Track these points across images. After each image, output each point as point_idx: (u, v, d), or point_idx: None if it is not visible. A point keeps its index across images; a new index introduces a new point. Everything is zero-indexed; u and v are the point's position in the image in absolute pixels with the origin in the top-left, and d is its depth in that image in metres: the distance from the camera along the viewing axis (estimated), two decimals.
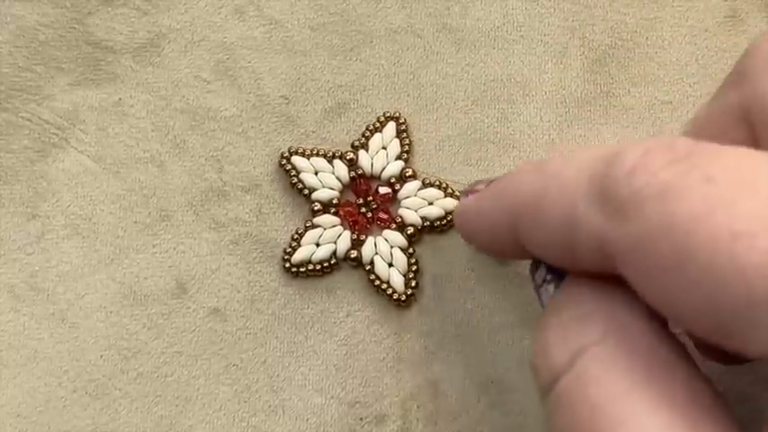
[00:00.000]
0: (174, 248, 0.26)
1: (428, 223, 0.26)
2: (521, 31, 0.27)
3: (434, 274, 0.26)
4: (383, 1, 0.27)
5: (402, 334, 0.26)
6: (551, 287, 0.21)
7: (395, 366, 0.25)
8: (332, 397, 0.25)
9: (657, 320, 0.19)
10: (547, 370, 0.19)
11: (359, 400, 0.25)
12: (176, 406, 0.25)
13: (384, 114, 0.26)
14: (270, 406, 0.25)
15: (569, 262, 0.19)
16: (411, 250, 0.26)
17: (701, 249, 0.15)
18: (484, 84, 0.27)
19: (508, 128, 0.26)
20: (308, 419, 0.25)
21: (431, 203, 0.26)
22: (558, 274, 0.20)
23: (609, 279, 0.19)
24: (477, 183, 0.24)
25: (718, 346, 0.16)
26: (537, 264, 0.21)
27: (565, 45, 0.27)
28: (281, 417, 0.25)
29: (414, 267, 0.26)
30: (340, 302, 0.26)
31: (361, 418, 0.25)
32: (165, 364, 0.26)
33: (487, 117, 0.26)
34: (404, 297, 0.25)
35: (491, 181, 0.23)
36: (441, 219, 0.26)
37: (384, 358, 0.26)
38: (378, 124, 0.26)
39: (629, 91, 0.26)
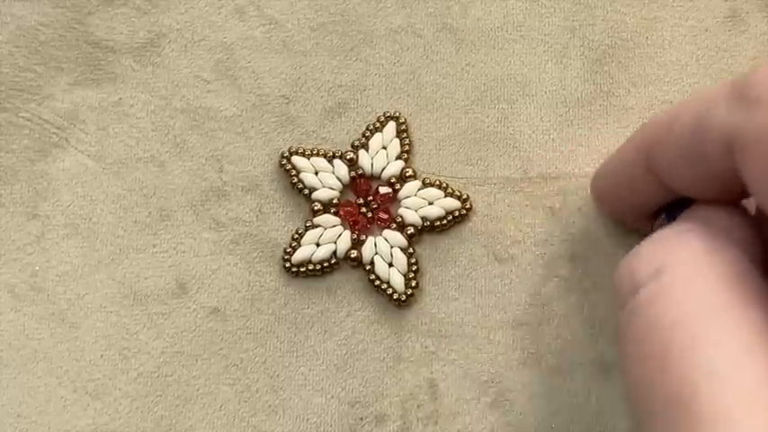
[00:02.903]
0: (174, 248, 0.26)
1: (428, 223, 0.26)
2: (521, 31, 0.27)
3: (434, 274, 0.26)
4: (383, 1, 0.27)
5: (402, 334, 0.26)
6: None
7: (395, 366, 0.25)
8: (332, 397, 0.25)
9: (754, 254, 0.19)
10: (629, 281, 0.19)
11: (359, 400, 0.25)
12: (176, 406, 0.25)
13: (384, 114, 0.26)
14: (270, 406, 0.25)
15: (696, 176, 0.19)
16: (411, 250, 0.26)
17: None
18: (484, 84, 0.27)
19: (508, 128, 0.26)
20: (308, 419, 0.25)
21: (431, 203, 0.26)
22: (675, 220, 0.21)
23: (720, 211, 0.19)
24: None
25: None
26: (659, 213, 0.22)
27: (565, 45, 0.27)
28: (281, 417, 0.25)
29: (414, 267, 0.26)
30: (340, 302, 0.26)
31: (361, 418, 0.25)
32: (165, 364, 0.26)
33: (487, 117, 0.26)
34: (404, 297, 0.25)
35: None
36: (441, 219, 0.26)
37: (384, 358, 0.26)
38: (378, 124, 0.26)
39: (629, 91, 0.26)
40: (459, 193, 0.26)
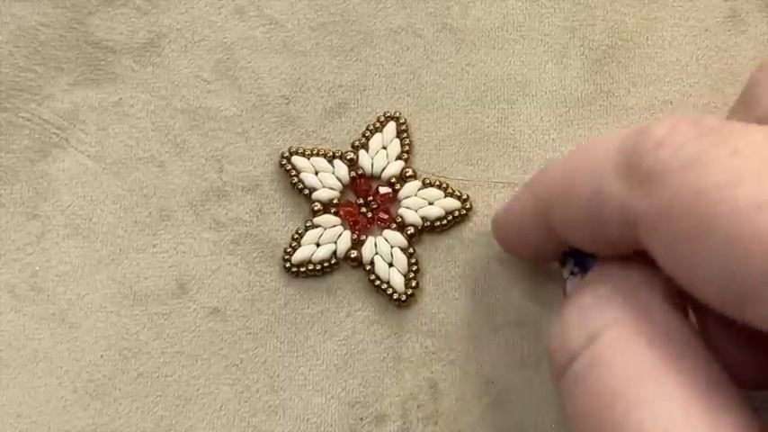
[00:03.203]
0: (174, 248, 0.26)
1: (428, 223, 0.26)
2: (521, 31, 0.27)
3: (434, 274, 0.26)
4: (383, 1, 0.27)
5: (402, 334, 0.26)
6: (577, 280, 0.21)
7: (395, 366, 0.25)
8: (332, 397, 0.25)
9: (678, 307, 0.19)
10: (563, 351, 0.19)
11: (359, 400, 0.25)
12: (176, 406, 0.25)
13: (384, 114, 0.26)
14: (270, 406, 0.25)
15: (596, 240, 0.19)
16: (411, 250, 0.26)
17: (725, 219, 0.15)
18: (484, 84, 0.27)
19: (508, 128, 0.26)
20: (308, 419, 0.25)
21: (431, 203, 0.26)
22: (586, 269, 0.21)
23: (632, 264, 0.19)
24: None
25: (733, 320, 0.16)
26: (565, 258, 0.22)
27: (565, 45, 0.27)
28: (281, 417, 0.25)
29: (414, 267, 0.26)
30: (340, 302, 0.26)
31: (361, 418, 0.25)
32: (165, 364, 0.26)
33: (487, 117, 0.26)
34: (404, 297, 0.25)
35: None
36: (441, 219, 0.26)
37: (384, 358, 0.26)
38: (378, 124, 0.26)
39: (629, 91, 0.26)
40: (459, 193, 0.26)
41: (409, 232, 0.26)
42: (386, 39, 0.27)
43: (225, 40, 0.27)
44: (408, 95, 0.27)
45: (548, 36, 0.27)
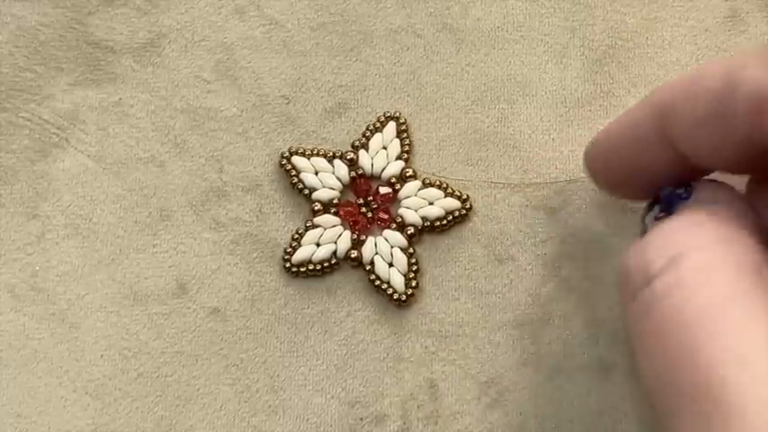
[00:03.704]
0: (175, 248, 0.26)
1: (428, 223, 0.26)
2: (521, 31, 0.27)
3: (434, 274, 0.26)
4: (383, 1, 0.27)
5: (402, 334, 0.26)
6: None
7: (395, 366, 0.25)
8: (332, 397, 0.25)
9: (760, 240, 0.18)
10: (640, 272, 0.18)
11: (359, 400, 0.25)
12: (176, 406, 0.25)
13: (384, 114, 0.26)
14: (270, 406, 0.25)
15: (721, 143, 0.18)
16: (411, 250, 0.26)
17: None
18: (484, 84, 0.27)
19: (508, 128, 0.26)
20: (308, 419, 0.25)
21: (431, 203, 0.26)
22: (671, 212, 0.20)
23: (724, 200, 0.18)
24: None
25: None
26: (653, 204, 0.21)
27: (565, 45, 0.27)
28: (281, 417, 0.25)
29: (414, 267, 0.26)
30: (340, 302, 0.26)
31: (361, 418, 0.25)
32: (165, 364, 0.26)
33: (487, 117, 0.26)
34: (404, 297, 0.25)
35: None
36: (441, 219, 0.26)
37: (384, 358, 0.26)
38: (378, 124, 0.26)
39: (629, 91, 0.26)
40: (459, 193, 0.26)
41: (409, 232, 0.26)
42: (386, 39, 0.27)
43: (225, 40, 0.27)
44: (408, 95, 0.27)
45: (548, 36, 0.27)
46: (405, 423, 0.25)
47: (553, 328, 0.25)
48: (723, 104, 0.18)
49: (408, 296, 0.25)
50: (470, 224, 0.26)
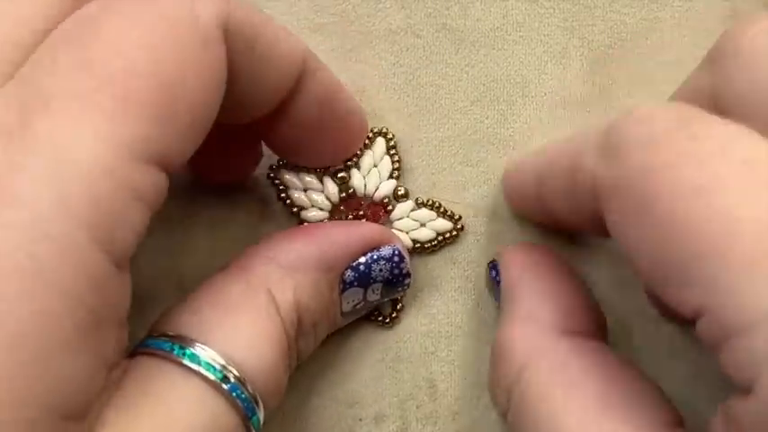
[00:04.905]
0: (174, 248, 0.26)
1: (419, 245, 0.26)
2: (521, 31, 0.27)
3: (434, 275, 0.26)
4: (383, 1, 0.27)
5: (401, 334, 0.26)
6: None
7: (394, 366, 0.25)
8: (331, 397, 0.25)
9: (575, 334, 0.21)
10: (502, 390, 0.22)
11: (358, 401, 0.25)
12: None
13: (372, 130, 0.26)
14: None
15: (574, 211, 0.20)
16: None
17: (664, 199, 0.16)
18: (484, 84, 0.27)
19: (508, 128, 0.26)
20: (307, 419, 0.25)
21: (423, 225, 0.26)
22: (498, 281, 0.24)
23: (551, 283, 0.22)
24: None
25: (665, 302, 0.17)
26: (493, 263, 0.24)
27: (565, 45, 0.27)
28: (280, 417, 0.25)
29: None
30: None
31: (360, 419, 0.25)
32: None
33: (487, 117, 0.26)
34: (388, 320, 0.25)
35: None
36: (431, 240, 0.25)
37: (384, 358, 0.26)
38: (366, 141, 0.25)
39: (628, 91, 0.26)
40: (451, 213, 0.26)
41: None
42: (386, 39, 0.27)
43: None
44: (408, 95, 0.27)
45: (547, 36, 0.27)
46: (404, 423, 0.25)
47: None
48: (570, 189, 0.20)
49: (393, 318, 0.25)
50: (470, 225, 0.26)
